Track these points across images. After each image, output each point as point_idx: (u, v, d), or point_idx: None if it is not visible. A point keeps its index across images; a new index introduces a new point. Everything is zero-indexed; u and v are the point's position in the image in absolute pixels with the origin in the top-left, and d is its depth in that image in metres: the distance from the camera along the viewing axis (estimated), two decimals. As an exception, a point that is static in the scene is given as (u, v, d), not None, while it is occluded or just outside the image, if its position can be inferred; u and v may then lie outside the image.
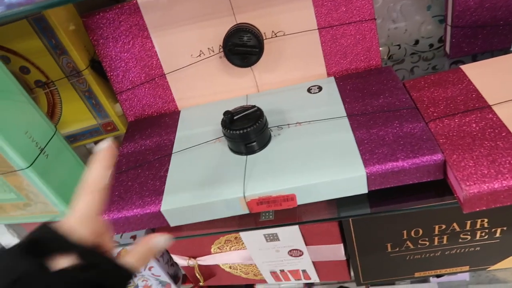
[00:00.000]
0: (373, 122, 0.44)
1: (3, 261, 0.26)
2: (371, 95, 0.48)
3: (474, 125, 0.41)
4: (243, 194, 0.41)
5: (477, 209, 0.38)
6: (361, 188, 0.41)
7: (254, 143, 0.44)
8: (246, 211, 0.43)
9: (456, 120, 0.42)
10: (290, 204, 0.42)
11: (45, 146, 0.43)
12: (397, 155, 0.40)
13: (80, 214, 0.29)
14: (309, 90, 0.52)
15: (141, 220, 0.44)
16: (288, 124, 0.47)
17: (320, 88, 0.52)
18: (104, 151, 0.31)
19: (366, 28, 0.50)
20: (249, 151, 0.45)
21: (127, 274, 0.29)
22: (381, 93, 0.48)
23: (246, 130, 0.43)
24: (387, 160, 0.40)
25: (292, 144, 0.45)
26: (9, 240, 0.68)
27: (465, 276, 0.83)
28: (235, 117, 0.44)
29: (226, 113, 0.44)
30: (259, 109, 0.45)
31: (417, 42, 0.59)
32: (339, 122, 0.46)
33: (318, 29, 0.50)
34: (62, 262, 0.26)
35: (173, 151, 0.49)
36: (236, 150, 0.45)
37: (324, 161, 0.42)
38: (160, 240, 0.31)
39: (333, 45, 0.51)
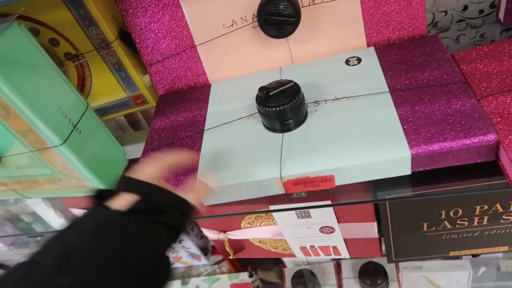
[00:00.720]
0: (418, 98, 0.41)
1: (87, 215, 0.32)
2: (416, 68, 0.45)
3: (532, 103, 0.37)
4: (279, 175, 0.40)
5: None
6: (404, 169, 0.39)
7: (291, 121, 0.42)
8: (282, 191, 0.41)
9: (512, 98, 0.38)
10: (328, 185, 0.40)
11: (78, 122, 0.43)
12: (445, 135, 0.37)
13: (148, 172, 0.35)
14: (347, 62, 0.49)
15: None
16: (326, 100, 0.45)
17: (359, 60, 0.48)
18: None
19: (412, -7, 0.46)
20: (285, 128, 0.43)
21: (193, 210, 0.35)
22: (427, 66, 0.45)
23: (283, 107, 0.40)
24: (434, 141, 0.37)
25: (330, 122, 0.42)
26: (44, 210, 0.70)
27: (498, 253, 0.81)
28: (270, 93, 0.42)
29: (262, 89, 0.41)
30: (296, 84, 0.42)
31: (465, 7, 0.54)
32: (381, 98, 0.43)
33: (359, -5, 0.46)
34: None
35: (205, 128, 0.47)
36: (271, 128, 0.44)
37: (365, 140, 0.39)
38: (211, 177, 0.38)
39: (375, 13, 0.48)
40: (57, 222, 0.73)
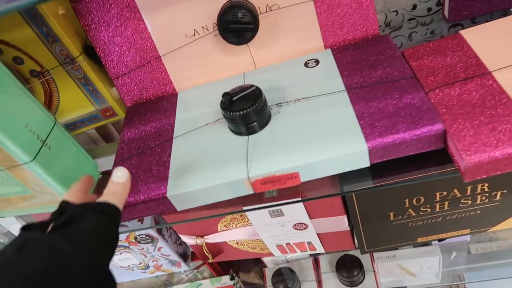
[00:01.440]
0: (373, 94, 0.44)
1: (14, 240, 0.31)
2: (369, 66, 0.48)
3: (474, 93, 0.41)
4: (247, 175, 0.41)
5: (478, 178, 0.38)
6: (363, 162, 0.41)
7: (255, 123, 0.44)
8: (251, 192, 0.43)
9: (456, 89, 0.41)
10: (293, 182, 0.42)
11: (47, 138, 0.43)
12: (398, 127, 0.40)
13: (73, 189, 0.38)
14: (306, 64, 0.51)
15: (148, 206, 0.44)
16: (287, 101, 0.47)
17: (317, 62, 0.51)
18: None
19: (362, -4, 0.49)
20: (250, 131, 0.44)
21: (115, 210, 0.35)
22: (379, 64, 0.47)
23: (246, 110, 0.42)
24: (388, 133, 0.40)
25: (292, 122, 0.44)
26: (18, 228, 0.70)
27: (466, 237, 0.85)
28: (234, 98, 0.43)
29: (225, 94, 0.43)
30: (257, 88, 0.44)
31: (414, 6, 0.57)
32: (339, 97, 0.45)
33: (313, 0, 0.49)
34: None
35: (174, 136, 0.49)
36: (236, 131, 0.45)
37: (326, 137, 0.42)
38: (120, 175, 0.37)
39: (329, 16, 0.50)
40: (33, 240, 0.72)
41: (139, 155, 0.48)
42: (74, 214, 0.32)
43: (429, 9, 0.58)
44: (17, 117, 0.40)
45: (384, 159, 0.41)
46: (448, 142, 0.40)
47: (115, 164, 0.48)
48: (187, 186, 0.43)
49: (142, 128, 0.51)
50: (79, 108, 0.55)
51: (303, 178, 0.42)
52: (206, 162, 0.44)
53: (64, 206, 0.35)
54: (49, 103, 0.55)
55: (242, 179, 0.42)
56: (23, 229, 0.33)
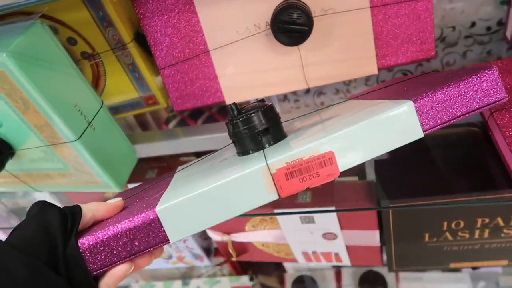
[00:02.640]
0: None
1: None
2: None
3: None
4: (265, 162, 0.30)
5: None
6: (414, 129, 0.32)
7: (268, 133, 0.35)
8: (274, 193, 0.31)
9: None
10: (330, 172, 0.31)
11: (93, 119, 0.44)
12: (446, 82, 0.32)
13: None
14: None
15: (135, 235, 0.33)
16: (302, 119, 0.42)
17: None
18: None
19: (421, 8, 0.47)
20: (261, 142, 0.35)
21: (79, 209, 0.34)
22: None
23: (253, 114, 0.35)
24: (436, 90, 0.32)
25: (314, 124, 0.37)
26: (52, 204, 0.71)
27: (497, 268, 0.81)
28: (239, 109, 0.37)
29: (230, 105, 0.36)
30: (262, 100, 0.38)
31: (473, 24, 0.55)
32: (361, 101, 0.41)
33: (370, 7, 0.48)
34: None
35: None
36: (246, 149, 0.36)
37: (359, 110, 0.34)
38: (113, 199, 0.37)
39: (384, 25, 0.49)
40: (63, 217, 0.74)
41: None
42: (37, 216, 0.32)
43: (489, 28, 0.55)
44: (68, 95, 0.41)
45: (439, 124, 0.32)
46: (511, 166, 0.38)
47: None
48: (178, 197, 0.32)
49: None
50: (123, 93, 0.56)
51: (342, 164, 0.31)
52: (206, 174, 0.35)
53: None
54: (96, 85, 0.55)
55: (259, 169, 0.30)
56: None
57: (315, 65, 0.52)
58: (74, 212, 0.33)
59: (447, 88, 0.31)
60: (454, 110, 0.32)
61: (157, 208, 0.32)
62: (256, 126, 0.35)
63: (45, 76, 0.39)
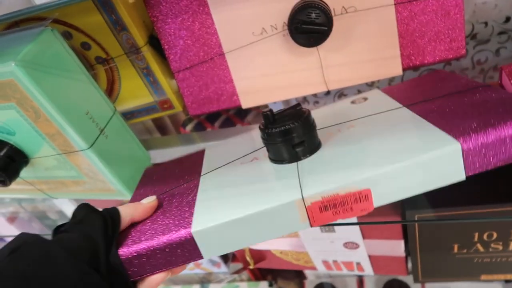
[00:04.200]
0: (440, 105, 0.36)
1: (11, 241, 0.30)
2: (429, 91, 0.41)
3: None
4: (301, 195, 0.32)
5: None
6: (457, 171, 0.31)
7: (303, 146, 0.36)
8: (306, 224, 0.32)
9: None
10: (364, 208, 0.32)
11: (105, 127, 0.43)
12: (492, 122, 0.30)
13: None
14: (353, 102, 0.47)
15: (168, 253, 0.35)
16: (339, 129, 0.40)
17: (365, 99, 0.46)
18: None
19: (450, 3, 0.44)
20: (297, 156, 0.36)
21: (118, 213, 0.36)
22: (442, 88, 0.41)
23: (291, 125, 0.35)
24: (482, 128, 0.30)
25: (349, 142, 0.37)
26: (70, 208, 0.72)
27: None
28: (276, 117, 0.37)
29: (266, 116, 0.36)
30: (301, 107, 0.38)
31: (508, 19, 0.51)
32: (399, 111, 0.39)
33: (394, 4, 0.45)
34: None
35: (202, 173, 0.43)
36: (280, 159, 0.37)
37: (401, 143, 0.33)
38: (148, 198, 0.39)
39: (410, 23, 0.46)
40: (82, 221, 0.74)
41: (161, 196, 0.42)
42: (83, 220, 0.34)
43: (525, 23, 0.51)
44: (79, 103, 0.40)
45: (484, 168, 0.31)
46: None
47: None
48: (215, 220, 0.33)
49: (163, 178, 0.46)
50: (138, 98, 0.55)
51: (377, 200, 0.32)
52: (238, 195, 0.35)
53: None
54: (111, 90, 0.55)
55: (294, 202, 0.31)
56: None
57: (335, 67, 0.49)
58: (114, 218, 0.35)
59: (498, 130, 0.29)
60: (503, 156, 0.30)
61: (193, 230, 0.33)
62: (293, 139, 0.35)
63: (55, 84, 0.38)
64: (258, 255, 0.64)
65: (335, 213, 0.32)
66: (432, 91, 0.41)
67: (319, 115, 0.46)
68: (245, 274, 0.84)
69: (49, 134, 0.41)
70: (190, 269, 0.74)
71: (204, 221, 0.33)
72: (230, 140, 0.47)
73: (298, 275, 0.86)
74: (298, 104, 0.38)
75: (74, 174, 0.46)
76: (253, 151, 0.41)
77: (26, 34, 0.37)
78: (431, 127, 0.33)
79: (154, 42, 0.51)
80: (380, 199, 0.32)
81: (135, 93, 0.55)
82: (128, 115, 0.58)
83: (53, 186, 0.50)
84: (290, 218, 0.32)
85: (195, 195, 0.38)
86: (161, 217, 0.37)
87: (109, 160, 0.44)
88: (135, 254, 0.34)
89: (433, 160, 0.30)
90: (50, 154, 0.43)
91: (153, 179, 0.47)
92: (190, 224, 0.34)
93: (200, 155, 0.48)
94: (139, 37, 0.49)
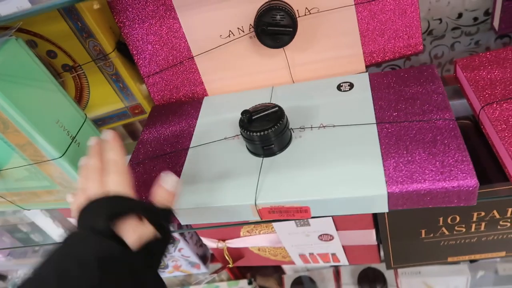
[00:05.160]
0: (404, 132, 0.40)
1: (83, 239, 0.29)
2: (407, 100, 0.43)
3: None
4: (254, 202, 0.39)
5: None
6: (381, 207, 0.38)
7: (273, 146, 0.41)
8: (257, 218, 0.41)
9: (516, 105, 0.38)
10: (303, 216, 0.39)
11: (76, 134, 0.43)
12: (425, 176, 0.35)
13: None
14: (339, 87, 0.48)
15: None
16: (311, 126, 0.44)
17: (351, 86, 0.48)
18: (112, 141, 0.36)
19: (406, 2, 0.47)
20: (267, 153, 0.42)
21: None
22: (418, 98, 0.43)
23: (265, 132, 0.40)
24: (413, 180, 0.35)
25: (312, 149, 0.41)
26: (42, 220, 0.70)
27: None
28: (253, 117, 0.41)
29: (244, 112, 0.41)
30: (280, 109, 0.41)
31: (460, 15, 0.55)
32: (367, 130, 0.41)
33: (355, 4, 0.47)
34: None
35: (190, 145, 0.47)
36: (253, 151, 0.43)
37: (344, 173, 0.38)
38: (169, 181, 0.36)
39: (370, 22, 0.48)
40: (55, 232, 0.73)
41: (153, 160, 0.47)
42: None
43: (476, 19, 0.55)
44: (49, 112, 0.40)
45: (405, 208, 0.38)
46: (504, 160, 0.37)
47: (130, 165, 0.47)
48: (192, 203, 0.41)
49: (162, 131, 0.50)
50: (108, 104, 0.55)
51: (314, 213, 0.40)
52: (216, 179, 0.42)
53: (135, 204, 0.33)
54: (79, 98, 0.54)
55: (248, 205, 0.39)
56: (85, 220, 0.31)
57: (302, 66, 0.51)
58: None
59: (427, 185, 0.35)
60: (421, 203, 0.37)
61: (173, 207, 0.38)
62: (264, 143, 0.41)
63: (23, 94, 0.37)
64: (237, 253, 0.65)
65: (280, 215, 0.40)
66: (408, 105, 0.43)
67: (304, 94, 0.49)
68: (224, 274, 0.84)
69: (19, 144, 0.40)
70: (169, 273, 0.74)
71: (182, 202, 0.41)
72: (223, 109, 0.51)
73: (276, 271, 0.87)
74: (275, 106, 0.42)
75: (46, 184, 0.46)
76: (237, 134, 0.47)
77: (-10, 45, 0.37)
78: (378, 165, 0.38)
79: (122, 48, 0.51)
80: (316, 213, 0.39)
81: (105, 99, 0.54)
82: (99, 122, 0.58)
83: (25, 197, 0.49)
84: (247, 214, 0.41)
85: (181, 169, 0.44)
86: (149, 183, 0.41)
87: (82, 167, 0.43)
88: None
89: (361, 198, 0.37)
90: (21, 164, 0.43)
91: (156, 126, 0.51)
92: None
93: (195, 115, 0.51)
94: (107, 44, 0.49)
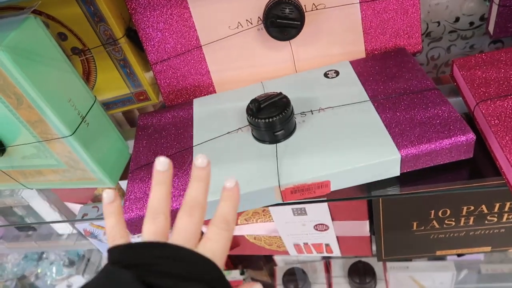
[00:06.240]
0: (398, 104, 0.44)
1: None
2: (392, 78, 0.47)
3: (526, 108, 0.40)
4: (278, 183, 0.40)
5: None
6: (394, 171, 0.41)
7: (282, 131, 0.43)
8: (279, 201, 0.42)
9: (509, 102, 0.41)
10: (323, 191, 0.41)
11: (86, 115, 0.44)
12: (429, 136, 0.40)
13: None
14: (326, 75, 0.51)
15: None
16: (311, 110, 0.46)
17: (337, 73, 0.51)
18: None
19: (408, 3, 0.49)
20: (276, 139, 0.44)
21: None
22: (401, 76, 0.47)
23: (274, 118, 0.41)
24: (420, 142, 0.40)
25: (319, 131, 0.44)
26: (39, 203, 0.70)
27: (479, 256, 0.84)
28: (262, 105, 0.42)
29: (253, 101, 0.42)
30: (285, 96, 0.43)
31: (457, 19, 0.57)
32: (364, 106, 0.45)
33: (359, 2, 0.49)
34: None
35: (194, 144, 0.48)
36: (262, 139, 0.44)
37: (356, 146, 0.41)
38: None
39: (373, 20, 0.50)
40: (51, 216, 0.73)
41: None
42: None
43: (471, 23, 0.57)
44: (62, 91, 0.41)
45: (415, 169, 0.41)
46: (496, 154, 0.40)
47: (132, 172, 0.46)
48: (212, 195, 0.39)
49: (157, 137, 0.50)
50: (114, 89, 0.56)
51: (334, 187, 0.42)
52: (232, 171, 0.43)
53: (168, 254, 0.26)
54: (87, 81, 0.55)
55: (272, 188, 0.40)
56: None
57: (306, 59, 0.53)
58: None
59: (433, 144, 0.39)
60: (429, 162, 0.41)
61: None
62: (275, 128, 0.43)
63: (39, 71, 0.38)
64: (233, 241, 0.66)
65: (302, 194, 0.42)
66: (394, 83, 0.47)
67: (296, 84, 0.51)
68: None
69: (31, 121, 0.41)
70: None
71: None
72: (217, 107, 0.52)
73: (268, 262, 0.89)
74: (281, 93, 0.44)
75: (53, 162, 0.46)
76: (239, 127, 0.48)
77: (9, 21, 0.38)
78: (384, 134, 0.41)
79: (132, 35, 0.52)
80: (335, 186, 0.42)
81: (111, 84, 0.55)
82: (104, 106, 0.58)
83: (30, 176, 0.50)
84: (269, 197, 0.42)
85: (190, 168, 0.43)
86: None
87: (91, 148, 0.44)
88: (136, 218, 0.42)
89: (377, 164, 0.40)
90: (30, 141, 0.44)
91: (148, 133, 0.51)
92: None
93: (189, 116, 0.52)
94: (117, 29, 0.50)
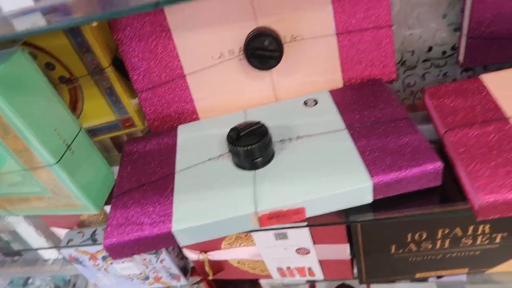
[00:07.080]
0: (372, 133, 0.46)
1: None
2: (366, 107, 0.50)
3: (491, 136, 0.42)
4: (255, 209, 0.42)
5: (490, 217, 0.39)
6: (367, 197, 0.43)
7: (260, 159, 0.45)
8: (257, 227, 0.44)
9: (475, 130, 0.43)
10: (299, 217, 0.43)
11: (71, 143, 0.45)
12: (400, 164, 0.42)
13: None
14: (305, 103, 0.53)
15: (151, 242, 0.44)
16: (290, 138, 0.48)
17: (316, 102, 0.53)
18: None
19: (382, 35, 0.52)
20: (255, 166, 0.45)
21: None
22: (376, 105, 0.50)
23: (253, 146, 0.44)
24: (391, 170, 0.41)
25: (296, 158, 0.45)
26: (25, 228, 0.71)
27: (462, 277, 0.85)
28: (241, 134, 0.45)
29: (233, 129, 0.45)
30: (263, 125, 0.46)
31: (430, 49, 0.60)
32: (340, 135, 0.47)
33: (336, 34, 0.51)
34: None
35: (176, 170, 0.49)
36: (242, 166, 0.46)
37: (330, 173, 0.43)
38: None
39: (350, 50, 0.53)
40: (37, 241, 0.73)
41: (139, 188, 0.48)
42: None
43: (444, 52, 0.60)
44: (47, 120, 0.42)
45: (386, 195, 0.43)
46: (463, 181, 0.42)
47: (115, 198, 0.48)
48: (193, 221, 0.42)
49: (140, 163, 0.52)
50: (100, 116, 0.57)
51: (309, 214, 0.43)
52: (211, 197, 0.44)
53: None
54: (73, 109, 0.56)
55: (250, 214, 0.42)
56: None
57: (287, 88, 0.55)
58: None
59: (403, 172, 0.41)
60: (400, 189, 0.42)
61: (173, 229, 0.43)
62: (253, 155, 0.45)
63: (26, 102, 0.40)
64: (217, 266, 0.67)
65: (278, 220, 0.43)
66: (368, 111, 0.49)
67: (275, 112, 0.53)
68: (202, 287, 0.86)
69: (16, 150, 0.42)
70: (150, 284, 0.75)
71: (182, 219, 0.43)
72: (200, 134, 0.54)
73: (254, 286, 0.89)
74: (259, 122, 0.46)
75: (38, 189, 0.47)
76: (220, 154, 0.50)
77: (-3, 55, 0.39)
78: (358, 162, 0.43)
79: (118, 63, 0.54)
80: (311, 212, 0.43)
81: (98, 111, 0.57)
82: (90, 133, 0.60)
83: (16, 203, 0.51)
84: (247, 223, 0.43)
85: (171, 194, 0.46)
86: (141, 213, 0.45)
87: (75, 175, 0.46)
88: (117, 244, 0.43)
89: (350, 192, 0.41)
90: (16, 170, 0.45)
91: (133, 159, 0.53)
92: (171, 223, 0.43)
93: (173, 142, 0.54)
94: (103, 59, 0.52)
